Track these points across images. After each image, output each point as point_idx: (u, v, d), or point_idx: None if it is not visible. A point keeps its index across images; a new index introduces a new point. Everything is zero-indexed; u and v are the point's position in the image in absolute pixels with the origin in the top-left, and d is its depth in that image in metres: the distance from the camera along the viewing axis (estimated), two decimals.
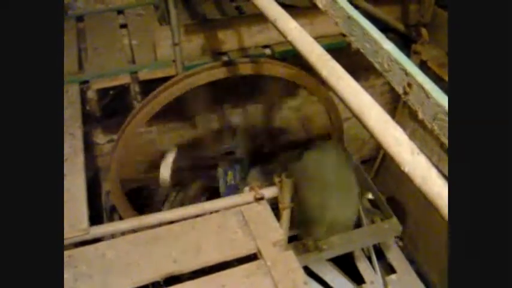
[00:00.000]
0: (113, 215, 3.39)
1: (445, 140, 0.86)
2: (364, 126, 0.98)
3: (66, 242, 1.95)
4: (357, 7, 1.23)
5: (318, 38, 1.72)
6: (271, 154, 3.64)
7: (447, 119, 0.85)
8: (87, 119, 3.31)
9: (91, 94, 3.34)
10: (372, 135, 0.98)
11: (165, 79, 2.84)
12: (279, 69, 2.92)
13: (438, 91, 0.89)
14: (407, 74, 0.97)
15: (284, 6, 1.44)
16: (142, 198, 3.65)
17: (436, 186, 0.82)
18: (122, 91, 3.35)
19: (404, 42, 3.49)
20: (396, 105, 4.01)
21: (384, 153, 3.83)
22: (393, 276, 3.40)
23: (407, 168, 0.88)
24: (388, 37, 1.10)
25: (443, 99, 0.87)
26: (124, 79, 2.92)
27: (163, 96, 2.73)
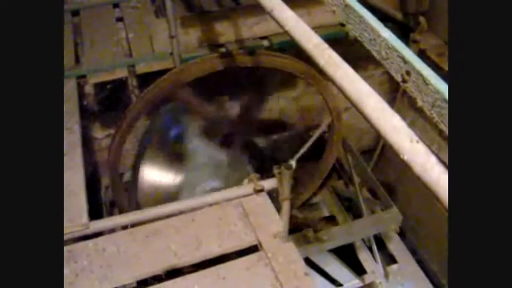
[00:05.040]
0: (113, 209, 3.38)
1: (444, 128, 0.85)
2: (362, 115, 0.97)
3: (65, 237, 1.95)
4: None
5: (316, 28, 1.71)
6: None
7: (446, 106, 0.84)
8: (85, 113, 3.29)
9: (88, 88, 3.32)
10: (370, 124, 0.97)
11: (162, 72, 2.83)
12: (277, 61, 2.90)
13: (437, 78, 0.88)
14: (405, 61, 0.96)
15: None
16: None
17: (435, 174, 0.81)
18: (119, 85, 3.33)
19: (403, 31, 3.47)
20: (395, 95, 3.99)
21: (384, 143, 3.83)
22: (394, 266, 3.41)
23: (406, 156, 0.87)
24: (386, 26, 1.09)
25: (441, 86, 0.86)
26: (121, 73, 2.91)
27: (160, 89, 2.72)
